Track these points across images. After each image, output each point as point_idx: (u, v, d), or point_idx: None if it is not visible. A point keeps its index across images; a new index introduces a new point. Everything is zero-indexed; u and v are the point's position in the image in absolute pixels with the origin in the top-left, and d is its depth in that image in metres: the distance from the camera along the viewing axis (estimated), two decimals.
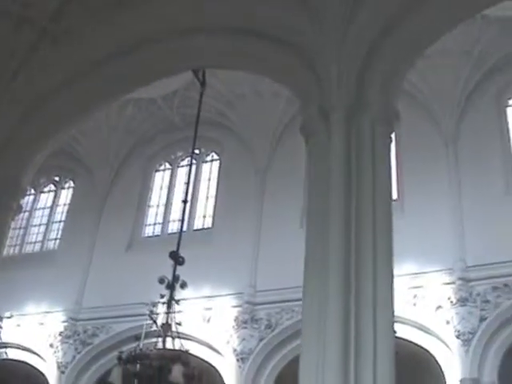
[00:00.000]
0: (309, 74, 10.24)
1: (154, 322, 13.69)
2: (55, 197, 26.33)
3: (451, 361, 17.38)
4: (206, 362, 19.66)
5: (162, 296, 13.31)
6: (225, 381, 19.50)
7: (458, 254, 18.20)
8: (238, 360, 19.44)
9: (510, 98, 21.28)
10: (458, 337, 17.39)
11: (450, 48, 19.91)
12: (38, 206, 26.26)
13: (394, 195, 19.64)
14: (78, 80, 12.10)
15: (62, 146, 22.67)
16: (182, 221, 15.69)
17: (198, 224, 23.11)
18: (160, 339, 13.48)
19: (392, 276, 8.64)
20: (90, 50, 11.98)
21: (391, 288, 8.54)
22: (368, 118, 9.63)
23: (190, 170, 17.25)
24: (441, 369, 17.55)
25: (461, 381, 16.97)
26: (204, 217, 23.20)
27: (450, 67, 20.49)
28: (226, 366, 19.66)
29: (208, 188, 23.79)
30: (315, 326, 8.23)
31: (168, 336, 13.45)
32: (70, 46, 11.97)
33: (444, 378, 17.35)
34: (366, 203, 8.89)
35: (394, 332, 8.64)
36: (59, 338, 22.00)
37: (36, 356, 22.26)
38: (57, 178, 26.62)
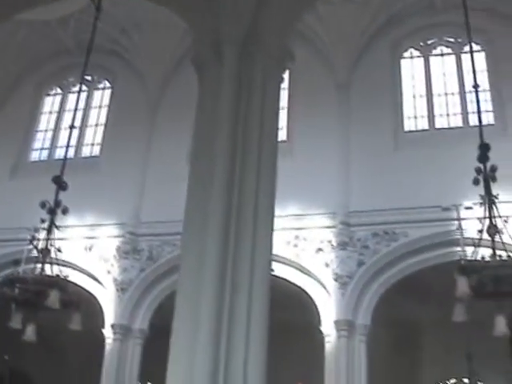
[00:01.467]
0: (204, 6, 10.12)
1: (35, 247, 13.53)
2: None
3: (328, 302, 17.81)
4: (86, 290, 19.57)
5: (43, 221, 13.14)
6: (104, 310, 19.48)
7: (341, 198, 18.55)
8: (117, 290, 19.43)
9: (405, 51, 21.59)
10: (335, 279, 17.81)
11: None
12: None
13: (284, 136, 19.86)
14: None
15: None
16: (68, 147, 15.40)
17: (86, 151, 22.81)
18: (39, 265, 13.37)
19: (272, 216, 8.73)
20: None
21: (271, 227, 8.64)
22: (261, 55, 9.60)
23: (78, 96, 16.88)
24: (317, 309, 17.94)
25: (335, 322, 17.43)
26: (92, 145, 22.91)
27: (349, 15, 20.62)
28: (106, 296, 19.62)
29: (98, 116, 23.48)
30: (193, 261, 8.27)
31: (47, 262, 13.34)
32: None
33: (320, 319, 17.75)
34: (252, 142, 8.91)
35: (272, 270, 8.78)
36: None
37: None
38: None
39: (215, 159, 8.66)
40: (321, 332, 17.54)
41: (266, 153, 8.99)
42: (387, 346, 20.48)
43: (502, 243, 10.65)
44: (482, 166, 10.87)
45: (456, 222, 17.29)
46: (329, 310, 17.67)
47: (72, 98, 23.74)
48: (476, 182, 10.75)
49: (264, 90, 9.39)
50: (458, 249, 16.04)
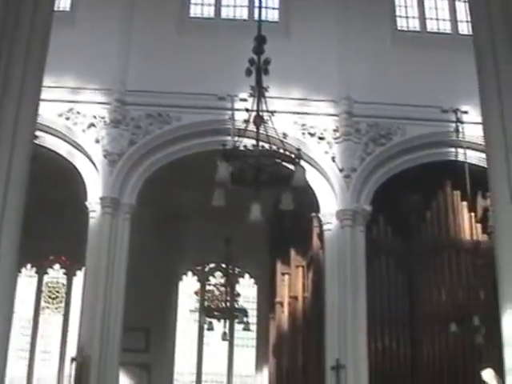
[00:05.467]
0: None
1: None
2: None
3: (96, 178, 17.74)
4: None
5: None
6: None
7: (119, 76, 18.16)
8: None
9: None
10: (105, 156, 17.71)
11: None
12: None
13: (68, 6, 19.27)
14: None
15: None
16: None
17: None
18: None
19: (40, 84, 8.54)
20: None
21: (38, 96, 8.48)
22: None
23: None
24: (84, 185, 17.85)
25: (101, 198, 17.42)
26: None
27: None
28: None
29: None
30: None
31: None
32: None
33: (86, 194, 17.68)
34: (26, 9, 8.61)
35: (35, 137, 8.69)
36: None
37: None
38: None
39: None
40: (86, 207, 17.53)
41: (40, 20, 8.71)
42: (150, 227, 20.87)
43: (267, 135, 11.04)
44: (255, 57, 11.14)
45: (230, 112, 17.75)
46: (96, 186, 17.62)
47: None
48: (248, 72, 11.00)
49: None
50: (228, 138, 16.53)
